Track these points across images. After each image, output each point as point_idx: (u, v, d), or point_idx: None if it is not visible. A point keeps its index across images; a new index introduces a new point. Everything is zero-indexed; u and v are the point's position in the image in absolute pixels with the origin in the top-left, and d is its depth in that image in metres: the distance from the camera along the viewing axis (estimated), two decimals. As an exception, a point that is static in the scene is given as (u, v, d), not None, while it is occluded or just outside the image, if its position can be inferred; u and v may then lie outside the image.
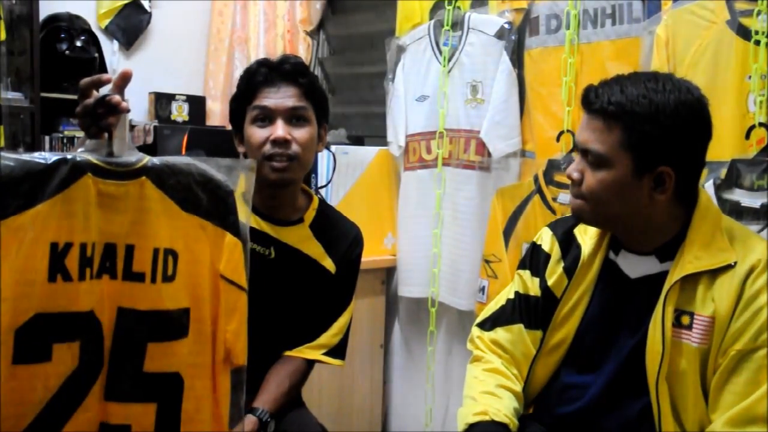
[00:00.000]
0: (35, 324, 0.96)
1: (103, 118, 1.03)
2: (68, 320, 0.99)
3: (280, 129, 1.40)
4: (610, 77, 1.24)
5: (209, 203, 1.08)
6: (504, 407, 1.29)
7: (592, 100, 1.21)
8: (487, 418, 1.27)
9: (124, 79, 1.06)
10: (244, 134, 1.46)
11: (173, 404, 1.08)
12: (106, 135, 1.03)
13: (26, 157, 0.95)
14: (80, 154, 1.00)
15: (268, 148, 1.40)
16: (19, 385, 0.96)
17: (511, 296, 1.44)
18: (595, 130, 1.21)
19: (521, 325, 1.40)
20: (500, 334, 1.41)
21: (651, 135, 1.17)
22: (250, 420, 1.40)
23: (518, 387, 1.36)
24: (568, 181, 1.29)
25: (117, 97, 1.03)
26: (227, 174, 1.10)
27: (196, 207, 1.07)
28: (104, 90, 1.07)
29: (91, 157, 1.00)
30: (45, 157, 0.96)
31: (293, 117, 1.42)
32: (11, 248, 0.93)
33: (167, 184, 1.05)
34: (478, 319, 1.48)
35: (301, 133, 1.43)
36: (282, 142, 1.40)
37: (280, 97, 1.42)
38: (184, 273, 1.07)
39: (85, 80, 1.08)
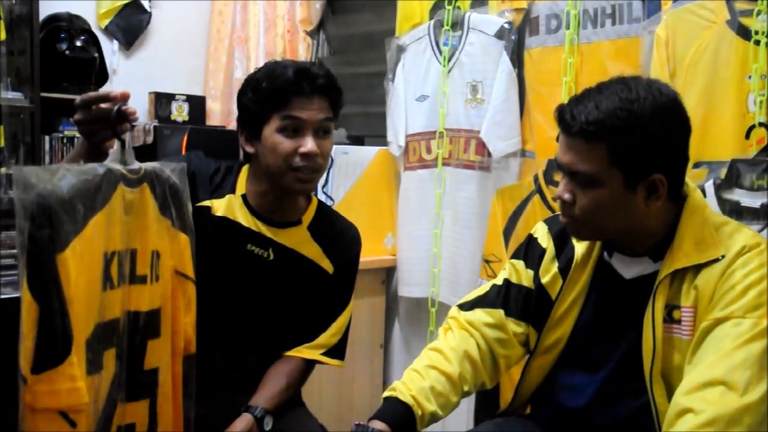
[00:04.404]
0: (95, 334, 0.98)
1: (116, 126, 1.08)
2: (111, 327, 1.02)
3: (311, 143, 1.39)
4: (581, 93, 1.22)
5: (172, 206, 1.15)
6: (416, 387, 1.28)
7: (570, 122, 1.19)
8: (394, 394, 1.29)
9: (125, 98, 1.12)
10: (261, 138, 1.42)
11: (156, 398, 1.12)
12: (117, 144, 1.08)
13: (85, 168, 0.99)
14: (111, 164, 1.04)
15: (297, 160, 1.39)
16: (92, 397, 0.97)
17: (499, 282, 1.43)
18: (580, 152, 1.19)
19: (502, 311, 1.40)
20: (478, 314, 1.40)
21: (636, 146, 1.15)
22: (244, 418, 1.40)
23: (454, 369, 1.32)
24: None
25: (132, 108, 1.09)
26: (174, 176, 1.17)
27: (167, 210, 1.14)
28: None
29: (119, 167, 1.04)
30: (96, 167, 1.00)
31: (321, 129, 1.42)
32: (83, 261, 0.95)
33: (155, 190, 1.11)
34: (459, 301, 1.47)
35: (325, 145, 1.43)
36: (312, 156, 1.40)
37: (313, 109, 1.40)
38: (162, 273, 1.13)
39: (92, 95, 1.11)
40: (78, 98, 1.12)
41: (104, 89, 3.11)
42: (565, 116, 1.20)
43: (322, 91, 1.41)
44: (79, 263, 0.93)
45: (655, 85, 1.20)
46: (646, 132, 1.15)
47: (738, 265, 1.16)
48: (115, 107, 1.08)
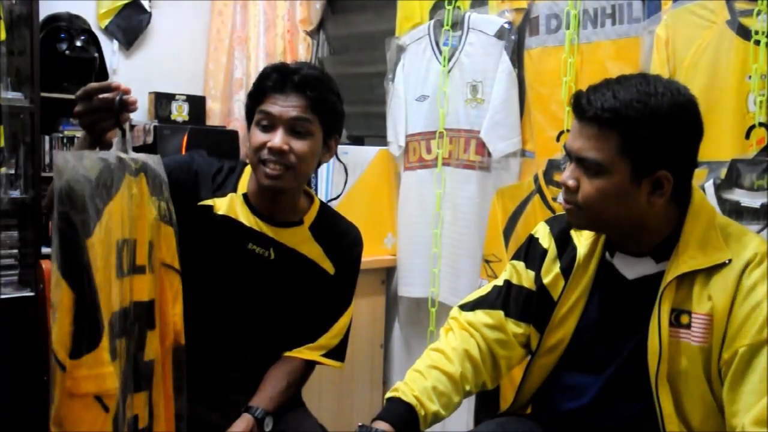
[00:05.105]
0: (111, 322, 0.99)
1: (118, 116, 1.10)
2: (123, 316, 1.03)
3: (277, 138, 1.39)
4: (598, 82, 1.22)
5: (160, 197, 1.16)
6: (418, 388, 1.29)
7: (585, 107, 1.18)
8: (397, 395, 1.29)
9: (126, 92, 1.13)
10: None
11: (151, 390, 1.13)
12: (119, 133, 1.09)
13: (100, 154, 1.00)
14: (116, 153, 1.04)
15: (264, 153, 1.39)
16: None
17: (499, 283, 1.43)
18: (590, 138, 1.18)
19: (501, 312, 1.40)
20: (479, 315, 1.41)
21: (648, 140, 1.15)
22: (245, 418, 1.40)
23: (455, 369, 1.33)
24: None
25: (133, 97, 1.11)
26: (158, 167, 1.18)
27: (154, 200, 1.15)
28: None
29: (124, 156, 1.05)
30: (108, 155, 1.01)
31: (294, 128, 1.41)
32: (102, 248, 0.96)
33: (150, 181, 1.12)
34: (460, 302, 1.47)
35: (299, 145, 1.40)
36: (278, 152, 1.39)
37: (285, 105, 1.40)
38: (155, 263, 1.14)
39: (93, 85, 1.12)
40: (79, 91, 1.12)
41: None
42: (580, 101, 1.20)
43: (297, 89, 1.40)
44: (99, 250, 0.95)
45: (674, 84, 1.20)
46: (660, 127, 1.15)
47: (757, 278, 1.15)
48: (118, 96, 1.10)
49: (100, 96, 1.11)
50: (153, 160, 1.17)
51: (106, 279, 0.97)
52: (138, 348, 1.09)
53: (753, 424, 1.09)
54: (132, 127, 2.88)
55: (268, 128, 1.41)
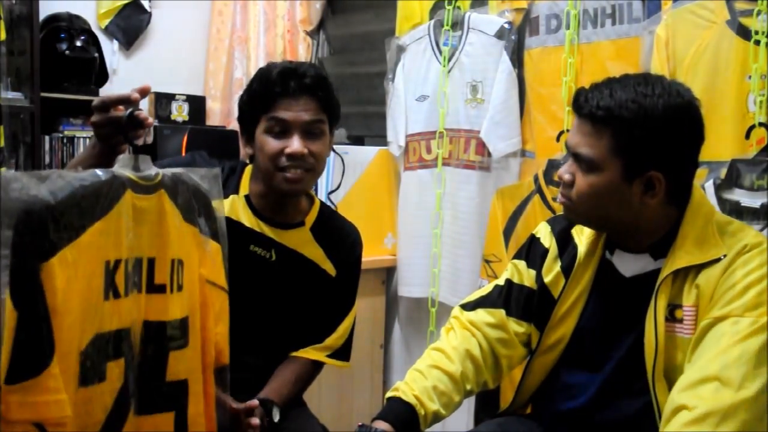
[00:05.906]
0: (95, 344, 0.95)
1: (128, 132, 1.07)
2: (117, 337, 0.99)
3: (296, 143, 1.38)
4: (602, 80, 1.23)
5: (200, 212, 1.12)
6: (419, 387, 1.29)
7: (582, 104, 1.20)
8: (397, 394, 1.29)
9: (145, 93, 1.10)
10: (255, 140, 1.44)
11: (184, 410, 1.09)
12: (128, 149, 1.06)
13: (83, 174, 0.94)
14: (118, 170, 1.00)
15: (283, 160, 1.39)
16: (83, 408, 0.94)
17: (501, 283, 1.44)
18: (585, 135, 1.20)
19: (503, 311, 1.40)
20: (480, 315, 1.41)
21: (640, 140, 1.16)
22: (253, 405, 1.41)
23: (456, 368, 1.33)
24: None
25: (144, 113, 1.08)
26: (204, 182, 1.14)
27: (192, 217, 1.11)
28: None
29: (128, 173, 1.01)
30: (97, 173, 0.96)
31: (310, 130, 1.40)
32: (78, 269, 0.91)
33: (176, 196, 1.07)
34: (462, 301, 1.47)
35: (316, 146, 1.41)
36: (298, 157, 1.39)
37: (298, 110, 1.39)
38: (186, 281, 1.09)
39: (111, 97, 1.10)
40: (96, 100, 1.10)
41: (105, 89, 3.11)
42: (579, 98, 1.22)
43: (308, 91, 1.39)
44: (71, 272, 0.89)
45: (674, 86, 1.20)
46: (653, 128, 1.16)
47: (739, 264, 1.16)
48: (126, 112, 1.07)
49: (119, 107, 1.09)
50: (200, 175, 1.12)
51: (84, 301, 0.92)
52: (155, 368, 1.05)
53: (678, 389, 1.10)
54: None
55: (281, 134, 1.40)
